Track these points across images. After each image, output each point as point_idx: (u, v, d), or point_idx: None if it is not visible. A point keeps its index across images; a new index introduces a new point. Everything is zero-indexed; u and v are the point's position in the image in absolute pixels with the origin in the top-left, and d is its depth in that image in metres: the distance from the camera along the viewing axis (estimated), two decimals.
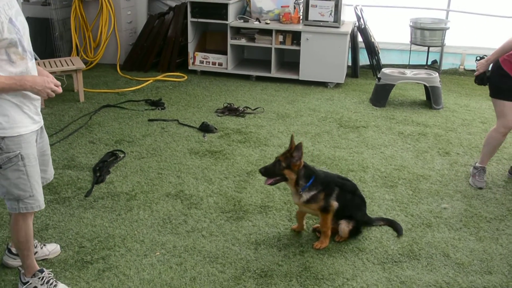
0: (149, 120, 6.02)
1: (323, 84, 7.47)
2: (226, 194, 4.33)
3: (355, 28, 7.83)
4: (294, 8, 7.73)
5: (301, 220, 3.84)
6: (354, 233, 3.74)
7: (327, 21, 7.27)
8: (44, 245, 3.47)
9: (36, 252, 3.37)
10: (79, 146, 5.27)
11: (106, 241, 3.68)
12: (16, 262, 3.33)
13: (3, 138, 2.73)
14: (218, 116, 6.22)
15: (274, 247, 3.66)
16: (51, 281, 3.14)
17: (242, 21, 7.68)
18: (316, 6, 7.26)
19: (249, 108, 6.45)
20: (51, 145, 5.16)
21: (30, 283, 3.12)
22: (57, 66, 6.40)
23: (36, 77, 2.81)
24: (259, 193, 4.38)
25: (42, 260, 3.40)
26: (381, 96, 6.70)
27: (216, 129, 5.76)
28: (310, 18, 7.33)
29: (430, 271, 3.43)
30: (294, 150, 3.47)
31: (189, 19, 7.71)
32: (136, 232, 3.81)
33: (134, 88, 7.16)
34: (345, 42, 7.26)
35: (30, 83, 2.73)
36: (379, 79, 6.76)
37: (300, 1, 7.69)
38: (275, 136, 5.62)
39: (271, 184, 3.59)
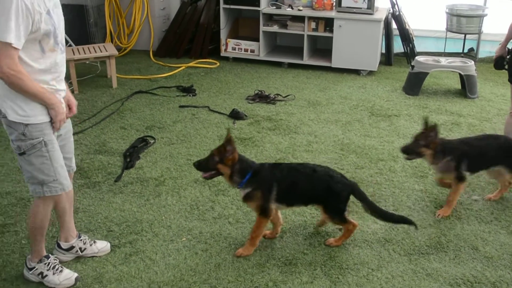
0: (180, 106, 6.06)
1: (356, 72, 7.38)
2: None
3: (389, 15, 7.69)
4: None
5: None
6: (334, 213, 3.47)
7: (361, 8, 7.16)
8: (94, 242, 3.44)
9: (85, 248, 3.38)
10: (111, 131, 5.35)
11: (134, 225, 3.75)
12: (66, 257, 3.34)
13: (26, 125, 2.79)
14: (249, 103, 6.22)
15: (300, 236, 3.66)
16: (56, 266, 3.16)
17: (274, 7, 7.63)
18: None
19: (280, 95, 6.43)
20: (83, 130, 5.31)
21: (36, 269, 3.15)
22: (90, 53, 6.49)
23: (61, 104, 2.89)
24: None
25: (91, 257, 3.38)
26: (415, 84, 6.58)
27: (246, 116, 5.77)
28: (343, 4, 7.24)
29: (458, 264, 3.37)
30: (225, 144, 3.30)
31: (222, 5, 7.71)
32: (163, 217, 3.86)
33: (166, 74, 7.22)
34: (379, 29, 7.14)
35: (55, 103, 2.82)
36: (412, 67, 6.63)
37: None
38: (305, 124, 5.59)
39: (206, 178, 3.45)
